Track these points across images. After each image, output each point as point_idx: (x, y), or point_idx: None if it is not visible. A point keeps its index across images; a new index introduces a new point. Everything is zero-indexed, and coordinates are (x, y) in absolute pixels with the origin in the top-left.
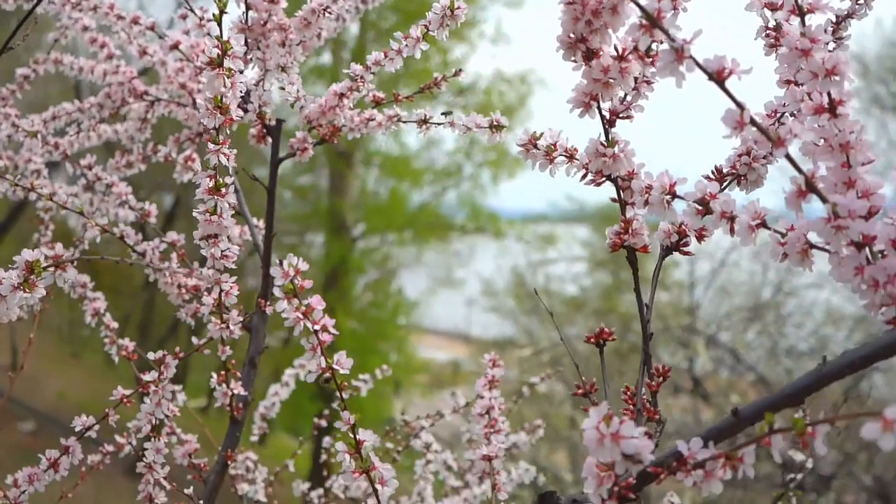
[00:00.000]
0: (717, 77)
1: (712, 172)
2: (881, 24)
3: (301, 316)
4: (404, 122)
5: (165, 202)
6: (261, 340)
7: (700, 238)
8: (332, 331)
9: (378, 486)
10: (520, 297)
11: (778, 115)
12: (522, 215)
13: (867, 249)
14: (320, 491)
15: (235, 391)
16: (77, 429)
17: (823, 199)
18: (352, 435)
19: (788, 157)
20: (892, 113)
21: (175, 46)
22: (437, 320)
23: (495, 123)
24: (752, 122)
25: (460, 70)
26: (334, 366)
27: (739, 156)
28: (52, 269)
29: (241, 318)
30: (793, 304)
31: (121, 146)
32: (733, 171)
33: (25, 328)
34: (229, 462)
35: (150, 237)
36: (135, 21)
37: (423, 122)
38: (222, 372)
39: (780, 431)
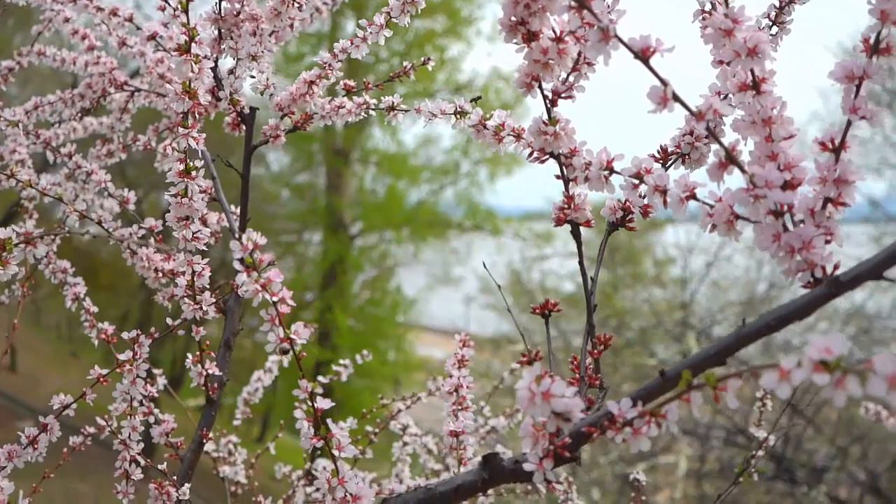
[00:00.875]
0: (643, 55)
1: (657, 151)
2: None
3: (260, 288)
4: (373, 109)
5: (162, 202)
6: (236, 323)
7: (645, 214)
8: (290, 302)
9: (335, 452)
10: (516, 294)
11: (721, 96)
12: (520, 213)
13: (785, 218)
14: (300, 472)
15: (210, 371)
16: (55, 407)
17: (743, 171)
18: (310, 403)
19: (709, 129)
20: (887, 109)
21: (152, 37)
22: (435, 318)
23: (459, 110)
24: (675, 97)
25: (429, 59)
26: (292, 335)
27: (683, 135)
28: (23, 245)
29: (213, 300)
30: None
31: (102, 136)
32: (677, 150)
33: (26, 330)
34: (205, 440)
35: (129, 223)
36: (113, 13)
37: (392, 108)
38: (197, 353)
39: (697, 387)
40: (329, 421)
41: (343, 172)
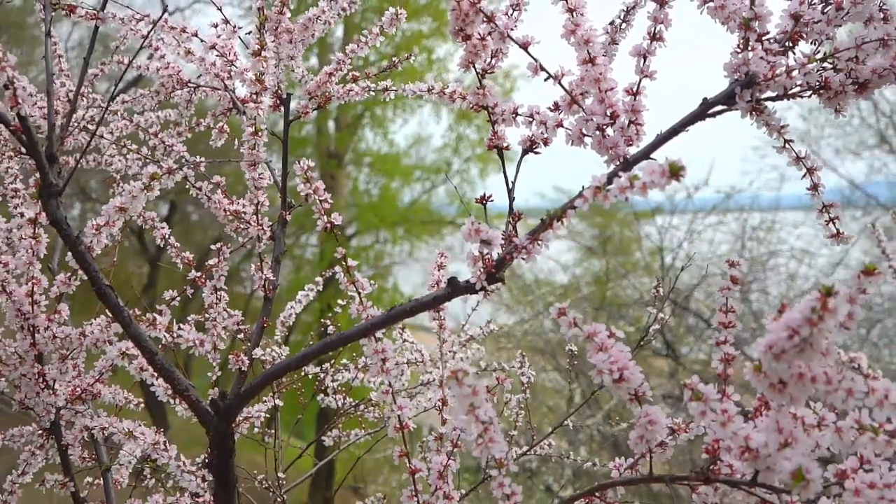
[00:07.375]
0: (524, 45)
1: (552, 104)
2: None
3: (312, 192)
4: (373, 91)
5: (161, 210)
6: (282, 245)
7: (546, 143)
8: (329, 201)
9: (360, 291)
10: (511, 289)
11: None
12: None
13: (608, 132)
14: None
15: (267, 276)
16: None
17: (581, 107)
18: (345, 263)
19: (561, 85)
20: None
21: (213, 46)
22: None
23: (431, 87)
24: (542, 68)
25: (410, 55)
26: (332, 220)
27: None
28: (166, 175)
29: (271, 223)
30: (772, 278)
31: (173, 122)
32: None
33: None
34: (265, 325)
35: (199, 180)
36: (183, 30)
37: (386, 89)
38: (257, 262)
39: (554, 219)
40: (354, 271)
41: (337, 175)
